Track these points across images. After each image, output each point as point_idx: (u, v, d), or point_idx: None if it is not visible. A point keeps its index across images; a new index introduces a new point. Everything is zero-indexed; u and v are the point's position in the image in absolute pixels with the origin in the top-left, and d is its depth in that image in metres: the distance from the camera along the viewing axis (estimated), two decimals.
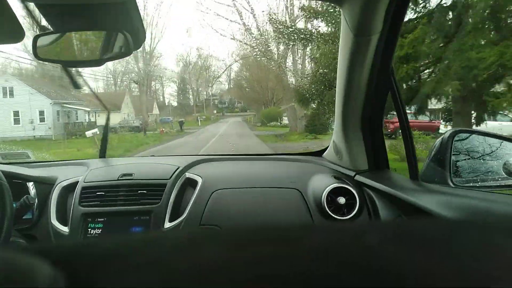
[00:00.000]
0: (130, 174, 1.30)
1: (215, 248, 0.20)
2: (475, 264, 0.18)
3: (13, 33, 0.75)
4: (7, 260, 0.19)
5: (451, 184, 0.92)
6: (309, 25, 7.32)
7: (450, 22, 4.50)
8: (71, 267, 0.19)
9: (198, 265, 0.18)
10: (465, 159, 1.00)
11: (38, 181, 1.30)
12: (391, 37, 0.94)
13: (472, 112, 5.41)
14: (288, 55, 11.48)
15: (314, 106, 7.09)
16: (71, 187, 1.30)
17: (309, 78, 7.02)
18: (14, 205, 0.99)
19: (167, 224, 1.19)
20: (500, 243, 0.20)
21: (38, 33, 0.83)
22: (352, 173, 1.29)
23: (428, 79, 4.86)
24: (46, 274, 0.18)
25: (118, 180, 1.28)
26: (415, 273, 0.17)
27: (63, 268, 0.19)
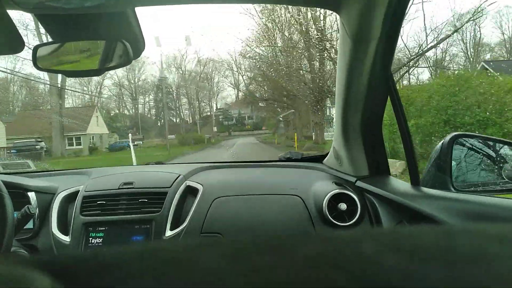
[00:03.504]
0: (131, 183, 1.30)
1: (212, 259, 0.20)
2: (470, 273, 0.18)
3: (13, 44, 0.76)
4: (5, 272, 0.19)
5: (452, 189, 0.91)
6: None
7: None
8: (69, 278, 0.19)
9: (195, 276, 0.18)
10: (466, 164, 0.99)
11: (39, 190, 1.30)
12: (390, 42, 0.94)
13: None
14: None
15: None
16: (72, 196, 1.30)
17: None
18: (15, 215, 0.99)
19: (168, 233, 1.18)
20: (496, 251, 0.19)
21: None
22: (353, 179, 1.28)
23: None
24: (45, 286, 0.18)
25: (118, 189, 1.28)
26: (410, 281, 0.17)
27: (61, 280, 0.19)
